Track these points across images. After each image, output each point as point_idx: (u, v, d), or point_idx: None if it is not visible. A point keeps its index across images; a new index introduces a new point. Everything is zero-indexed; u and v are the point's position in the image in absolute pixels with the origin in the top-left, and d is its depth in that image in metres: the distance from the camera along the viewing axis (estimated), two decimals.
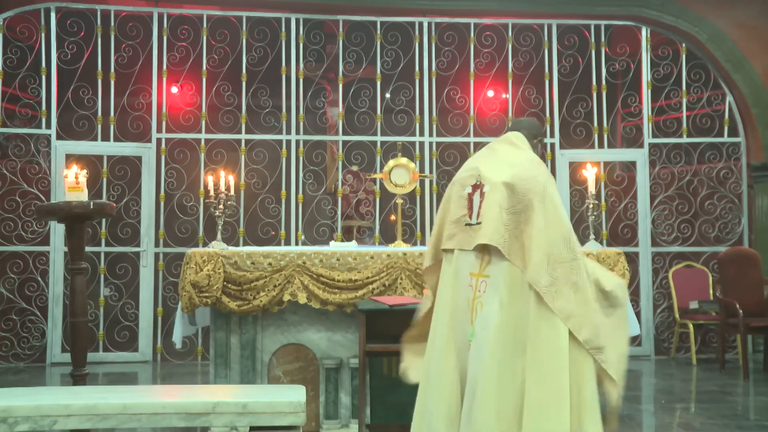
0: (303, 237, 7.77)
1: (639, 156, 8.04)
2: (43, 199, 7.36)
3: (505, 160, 3.30)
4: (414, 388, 3.15)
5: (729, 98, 7.98)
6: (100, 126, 7.64)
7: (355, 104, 7.98)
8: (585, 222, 5.36)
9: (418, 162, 7.74)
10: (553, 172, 7.96)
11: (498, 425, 2.98)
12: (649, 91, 8.07)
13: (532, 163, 3.28)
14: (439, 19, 7.97)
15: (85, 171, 4.23)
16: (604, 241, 7.84)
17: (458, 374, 3.15)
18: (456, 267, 3.20)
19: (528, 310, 3.03)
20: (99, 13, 7.64)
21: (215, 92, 7.81)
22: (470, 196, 3.23)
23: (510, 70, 8.02)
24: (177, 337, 4.66)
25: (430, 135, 7.93)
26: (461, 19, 7.99)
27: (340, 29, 7.93)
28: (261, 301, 4.39)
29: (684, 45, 8.02)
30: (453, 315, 3.18)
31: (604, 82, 8.04)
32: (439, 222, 3.37)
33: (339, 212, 7.95)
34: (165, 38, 7.72)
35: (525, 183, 3.16)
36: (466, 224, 3.20)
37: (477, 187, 3.23)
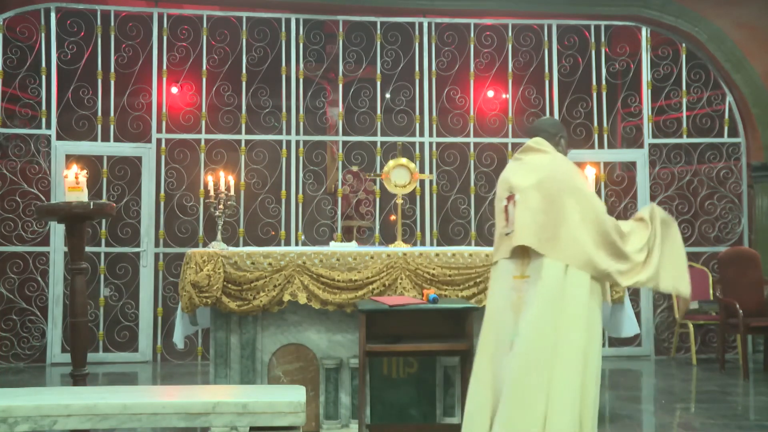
0: (303, 237, 7.77)
1: (639, 156, 8.04)
2: (43, 199, 7.36)
3: (531, 167, 3.50)
4: (413, 389, 3.17)
5: (729, 98, 7.98)
6: (100, 126, 7.64)
7: (355, 104, 7.98)
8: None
9: (418, 162, 7.74)
10: None
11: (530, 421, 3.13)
12: (649, 91, 8.07)
13: (556, 163, 3.49)
14: (439, 19, 7.97)
15: (85, 171, 4.23)
16: None
17: (492, 376, 3.33)
18: (501, 274, 3.45)
19: (565, 300, 3.22)
20: (99, 13, 7.64)
21: (215, 92, 7.81)
22: (506, 208, 3.50)
23: (510, 70, 8.02)
24: (178, 338, 4.66)
25: (430, 135, 7.93)
26: (461, 19, 8.00)
27: (340, 29, 7.93)
28: (261, 301, 4.39)
29: (684, 45, 8.02)
30: (497, 321, 3.39)
31: (604, 82, 8.04)
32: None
33: (339, 212, 7.95)
34: (165, 38, 7.72)
35: (552, 182, 3.38)
36: (506, 234, 3.46)
37: (510, 198, 3.49)
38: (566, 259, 3.25)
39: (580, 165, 7.59)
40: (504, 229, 3.49)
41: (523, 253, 3.36)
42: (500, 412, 3.21)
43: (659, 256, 3.40)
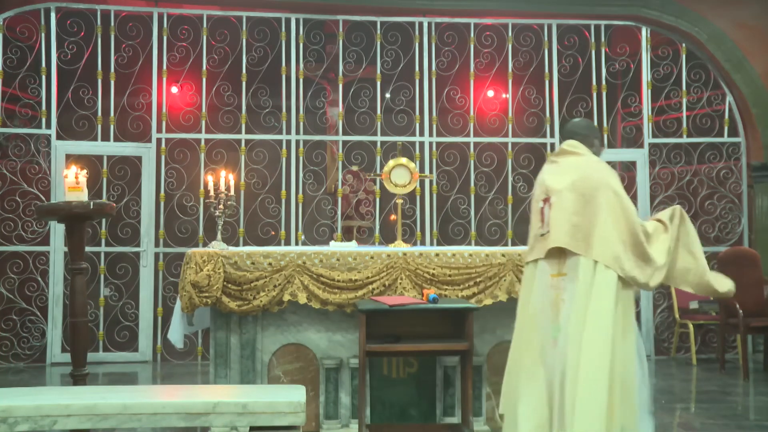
0: (303, 237, 7.77)
1: (639, 156, 8.04)
2: (43, 199, 7.36)
3: (566, 169, 3.65)
4: (413, 389, 3.18)
5: (729, 98, 7.98)
6: (100, 126, 7.64)
7: (355, 104, 7.98)
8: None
9: (418, 162, 7.74)
10: None
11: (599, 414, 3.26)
12: (649, 91, 8.07)
13: (590, 164, 3.65)
14: (439, 19, 7.97)
15: (85, 171, 4.23)
16: None
17: (544, 371, 3.47)
18: (537, 274, 3.58)
19: (591, 298, 3.39)
20: (99, 13, 7.64)
21: (215, 92, 7.81)
22: (542, 210, 3.63)
23: (510, 70, 8.02)
24: (173, 337, 4.64)
25: (430, 135, 7.93)
26: (461, 19, 8.00)
27: (340, 29, 7.93)
28: (261, 301, 4.39)
29: (684, 45, 8.02)
30: (536, 317, 3.53)
31: (604, 82, 8.04)
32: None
33: (339, 212, 7.95)
34: (165, 38, 7.72)
35: (586, 183, 3.53)
36: (541, 235, 3.58)
37: (546, 200, 3.63)
38: (597, 258, 3.40)
39: None
40: (540, 230, 3.61)
41: (559, 252, 3.50)
42: (565, 405, 3.35)
43: (677, 257, 3.58)
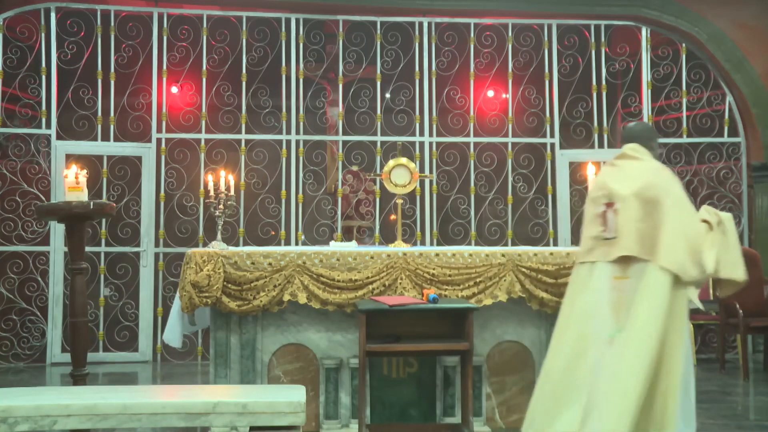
0: (303, 237, 7.77)
1: None
2: (43, 199, 7.36)
3: (630, 174, 3.79)
4: (413, 389, 3.18)
5: (729, 98, 7.98)
6: (100, 126, 7.64)
7: (355, 104, 7.98)
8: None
9: (418, 162, 7.74)
10: (552, 172, 7.97)
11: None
12: (649, 91, 8.07)
13: (654, 171, 3.79)
14: (439, 19, 7.97)
15: (85, 171, 4.23)
16: None
17: (590, 369, 3.58)
18: (596, 276, 3.71)
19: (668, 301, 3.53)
20: (99, 13, 7.64)
21: (215, 92, 7.81)
22: (604, 214, 3.76)
23: (510, 70, 8.02)
24: (169, 336, 4.63)
25: (430, 135, 7.92)
26: (461, 19, 7.99)
27: (340, 29, 7.93)
28: (261, 301, 4.39)
29: (684, 45, 8.02)
30: (592, 317, 3.65)
31: (604, 82, 8.04)
32: (582, 236, 3.92)
33: (339, 212, 7.95)
34: (165, 38, 7.72)
35: (651, 190, 3.69)
36: (604, 239, 3.71)
37: (609, 205, 3.76)
38: (664, 264, 3.56)
39: (581, 165, 7.65)
40: (602, 234, 3.75)
41: (624, 256, 3.64)
42: (607, 403, 3.46)
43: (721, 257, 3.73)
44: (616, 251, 3.65)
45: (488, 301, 4.47)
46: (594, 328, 3.64)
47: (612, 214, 3.72)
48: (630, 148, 3.88)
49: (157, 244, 7.65)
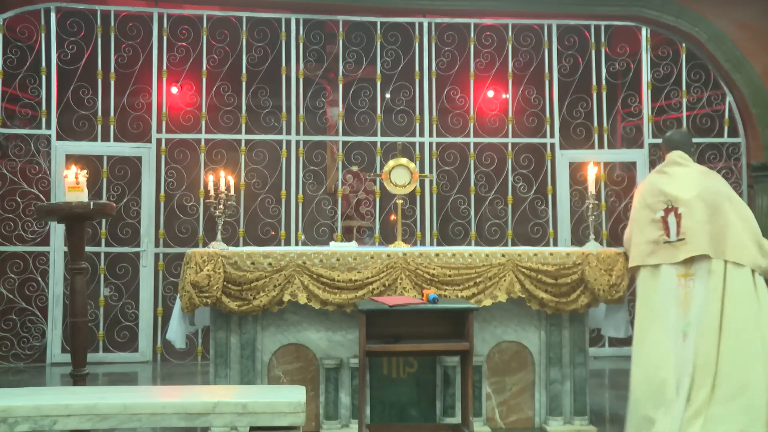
0: (303, 237, 7.77)
1: (639, 156, 8.04)
2: (43, 199, 7.36)
3: (684, 180, 4.17)
4: (413, 389, 3.19)
5: (729, 98, 7.98)
6: (100, 126, 7.64)
7: (355, 104, 7.98)
8: (585, 222, 5.37)
9: (418, 162, 7.74)
10: (552, 172, 7.97)
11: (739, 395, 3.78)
12: (649, 91, 8.07)
13: (706, 175, 4.23)
14: (439, 19, 7.97)
15: (85, 171, 4.23)
16: (604, 241, 7.84)
17: (675, 360, 3.93)
18: (661, 276, 4.07)
19: (736, 292, 3.90)
20: (99, 13, 7.64)
21: (215, 92, 7.81)
22: (664, 219, 4.11)
23: (510, 70, 8.02)
24: (172, 337, 4.63)
25: (430, 135, 7.92)
26: (461, 19, 7.99)
27: (340, 29, 7.93)
28: (261, 301, 4.39)
29: (684, 45, 8.01)
30: (664, 314, 4.00)
31: (604, 82, 8.04)
32: (634, 240, 4.28)
33: (339, 212, 7.95)
34: (165, 38, 7.71)
35: (711, 194, 4.07)
36: (666, 242, 4.08)
37: (669, 210, 4.11)
38: (735, 259, 3.93)
39: (580, 165, 7.65)
40: (662, 237, 4.11)
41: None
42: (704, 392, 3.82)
43: None
44: (685, 252, 4.01)
45: (488, 302, 4.47)
46: (667, 325, 4.00)
47: (674, 218, 4.07)
48: (678, 155, 4.27)
49: (157, 244, 7.65)
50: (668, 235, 4.08)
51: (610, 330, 4.85)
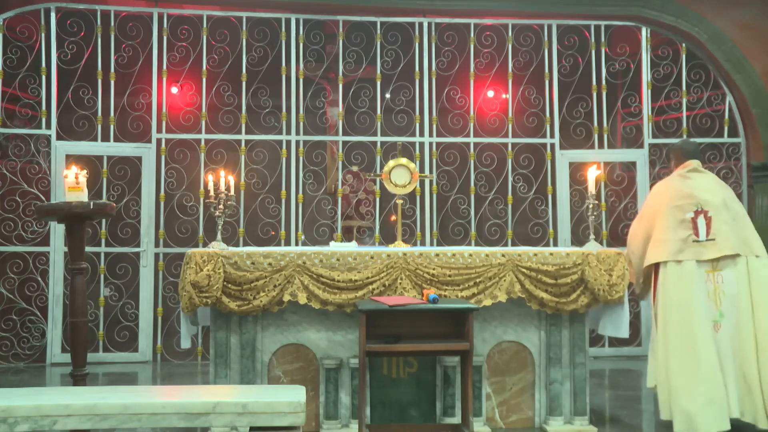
0: (303, 237, 7.77)
1: (639, 156, 8.04)
2: (43, 199, 7.36)
3: (709, 186, 4.72)
4: (413, 389, 3.18)
5: (729, 98, 7.98)
6: (100, 126, 7.64)
7: (355, 104, 7.98)
8: (585, 222, 5.37)
9: (418, 162, 7.74)
10: (552, 172, 7.97)
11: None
12: (649, 91, 8.07)
13: (722, 184, 4.83)
14: (439, 19, 7.97)
15: (85, 171, 4.23)
16: (604, 241, 7.84)
17: (708, 356, 4.37)
18: (687, 272, 4.50)
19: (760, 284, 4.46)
20: (99, 13, 7.64)
21: (215, 92, 7.81)
22: (694, 220, 4.56)
23: (510, 70, 8.02)
24: (184, 337, 4.65)
25: (430, 135, 7.92)
26: (461, 19, 7.99)
27: (340, 29, 7.93)
28: (261, 301, 4.39)
29: (684, 45, 8.02)
30: (696, 306, 4.43)
31: (604, 82, 8.04)
32: (651, 234, 4.72)
33: (339, 212, 7.95)
34: (165, 38, 7.72)
35: (732, 202, 4.69)
36: (694, 241, 4.54)
37: (699, 212, 4.59)
38: (760, 254, 4.54)
39: (580, 165, 7.66)
40: (691, 237, 4.55)
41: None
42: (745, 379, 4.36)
43: None
44: (716, 251, 4.49)
45: (488, 302, 4.47)
46: (698, 316, 4.40)
47: (703, 220, 4.55)
48: (697, 164, 4.81)
49: (157, 244, 7.65)
50: (697, 235, 4.54)
51: (608, 329, 4.84)
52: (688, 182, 4.71)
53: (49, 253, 7.44)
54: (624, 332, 4.75)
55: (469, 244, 7.73)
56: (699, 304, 4.42)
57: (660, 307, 4.57)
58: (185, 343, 4.70)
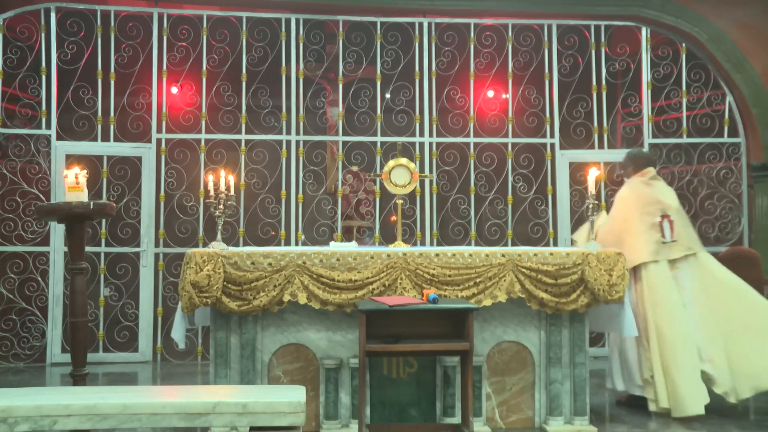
0: (303, 237, 7.77)
1: None
2: (43, 199, 7.36)
3: (668, 192, 5.32)
4: (413, 389, 3.18)
5: (729, 98, 7.98)
6: (100, 126, 7.64)
7: (355, 104, 7.98)
8: (585, 222, 5.38)
9: (418, 162, 7.74)
10: (552, 172, 7.97)
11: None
12: (649, 91, 8.07)
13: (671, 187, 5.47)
14: (439, 19, 7.97)
15: (85, 171, 4.23)
16: None
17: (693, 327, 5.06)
18: (661, 270, 5.06)
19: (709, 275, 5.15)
20: (99, 13, 7.64)
21: (215, 92, 7.81)
22: (661, 224, 5.12)
23: (510, 70, 8.02)
24: (177, 335, 4.64)
25: (430, 135, 7.92)
26: (461, 19, 7.99)
27: (340, 29, 7.93)
28: (261, 301, 4.39)
29: (684, 45, 8.02)
30: (677, 300, 5.01)
31: (604, 82, 8.04)
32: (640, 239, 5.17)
33: (339, 212, 7.95)
34: (165, 38, 7.72)
35: (680, 204, 5.31)
36: (663, 242, 5.09)
37: (664, 216, 5.14)
38: (702, 249, 5.23)
39: (581, 165, 7.65)
40: (660, 239, 5.10)
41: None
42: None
43: None
44: (679, 251, 5.09)
45: (488, 302, 4.47)
46: (680, 308, 5.00)
47: (668, 223, 5.11)
48: (654, 171, 5.36)
49: (157, 244, 7.65)
50: (664, 237, 5.08)
51: (615, 329, 4.87)
52: (653, 189, 5.25)
53: (49, 253, 7.44)
54: (627, 332, 4.74)
55: (469, 244, 7.73)
56: (679, 297, 5.02)
57: (650, 305, 5.07)
58: (181, 343, 4.69)
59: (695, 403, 4.88)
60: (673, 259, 5.07)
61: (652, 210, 5.14)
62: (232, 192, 4.96)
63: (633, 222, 5.14)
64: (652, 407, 5.06)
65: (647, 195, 5.20)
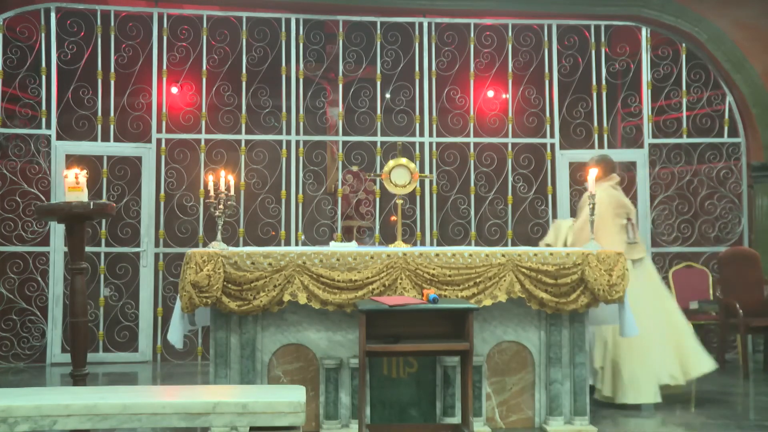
0: (303, 237, 7.77)
1: (639, 156, 8.04)
2: (43, 199, 7.36)
3: (625, 198, 5.72)
4: (413, 389, 3.18)
5: (729, 98, 7.98)
6: (100, 126, 7.64)
7: (355, 104, 7.98)
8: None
9: (418, 162, 7.74)
10: (552, 172, 7.98)
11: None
12: (649, 91, 8.07)
13: None
14: (439, 19, 7.97)
15: (85, 171, 4.22)
16: None
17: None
18: (629, 266, 5.02)
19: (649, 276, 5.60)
20: (99, 13, 7.64)
21: (215, 92, 7.81)
22: (626, 226, 5.50)
23: (510, 70, 8.02)
24: (173, 337, 4.63)
25: (430, 135, 7.93)
26: (461, 19, 8.00)
27: (340, 29, 7.93)
28: (261, 301, 4.39)
29: (684, 45, 8.02)
30: (632, 291, 4.92)
31: (604, 82, 8.04)
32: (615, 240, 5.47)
33: (339, 212, 7.95)
34: (165, 38, 7.72)
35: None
36: (629, 243, 5.44)
37: (629, 220, 5.53)
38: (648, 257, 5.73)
39: (581, 165, 7.64)
40: (630, 240, 5.47)
41: None
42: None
43: None
44: (640, 253, 5.48)
45: (488, 302, 4.47)
46: (637, 297, 5.08)
47: (631, 226, 5.48)
48: (617, 176, 5.77)
49: (157, 244, 7.65)
50: (629, 237, 5.46)
51: (627, 331, 4.84)
52: (620, 194, 5.67)
53: (49, 253, 7.44)
54: (628, 332, 4.73)
55: (469, 244, 7.73)
56: (638, 293, 5.18)
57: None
58: (177, 343, 4.68)
59: (654, 390, 5.24)
60: (633, 260, 5.37)
61: (621, 212, 5.53)
62: (232, 192, 4.95)
63: (607, 224, 5.46)
64: (596, 395, 5.32)
65: (617, 199, 5.57)
